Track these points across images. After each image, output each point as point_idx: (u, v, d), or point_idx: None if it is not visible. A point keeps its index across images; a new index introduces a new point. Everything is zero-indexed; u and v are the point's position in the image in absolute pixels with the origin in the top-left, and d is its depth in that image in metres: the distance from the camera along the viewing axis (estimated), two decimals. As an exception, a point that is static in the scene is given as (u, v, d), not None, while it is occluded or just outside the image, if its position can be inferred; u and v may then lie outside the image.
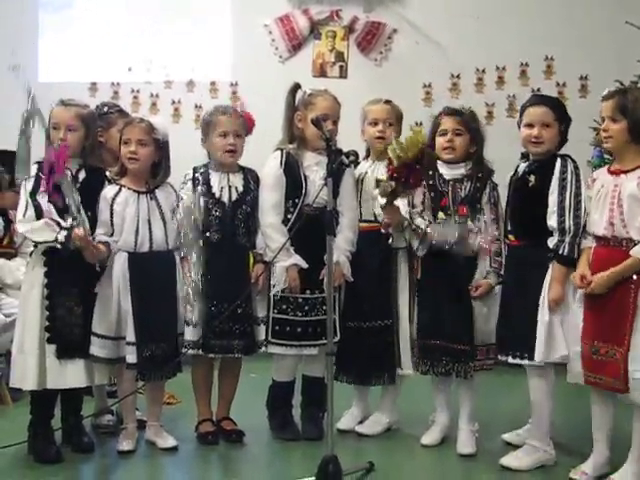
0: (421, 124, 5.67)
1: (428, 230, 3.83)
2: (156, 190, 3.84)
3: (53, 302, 3.64)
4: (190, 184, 3.94)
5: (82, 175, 3.74)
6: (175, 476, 3.74)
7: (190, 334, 3.86)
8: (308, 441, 3.96)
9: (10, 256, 4.77)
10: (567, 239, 3.51)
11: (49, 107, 3.76)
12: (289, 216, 3.94)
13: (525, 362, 3.61)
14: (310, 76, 6.49)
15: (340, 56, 6.60)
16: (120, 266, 3.72)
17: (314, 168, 3.96)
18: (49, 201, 3.58)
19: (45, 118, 3.63)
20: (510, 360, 3.69)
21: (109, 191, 3.76)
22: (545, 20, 6.41)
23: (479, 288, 3.81)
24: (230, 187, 3.95)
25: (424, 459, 3.87)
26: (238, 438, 4.00)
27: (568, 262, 3.52)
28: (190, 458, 3.83)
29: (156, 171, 3.85)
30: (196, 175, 3.96)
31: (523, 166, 3.76)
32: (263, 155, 4.06)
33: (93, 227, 3.70)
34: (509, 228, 3.78)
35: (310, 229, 3.71)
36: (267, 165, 4.02)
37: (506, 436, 4.01)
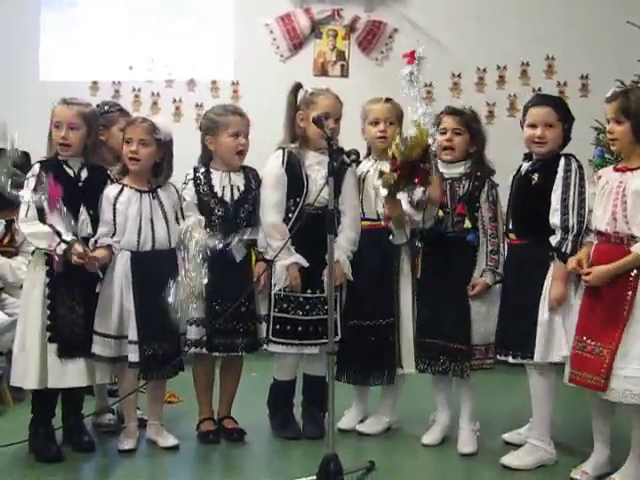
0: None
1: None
2: (158, 189, 3.83)
3: (55, 301, 3.64)
4: (191, 184, 3.94)
5: (84, 174, 3.74)
6: (176, 475, 3.74)
7: (193, 333, 3.87)
8: (309, 440, 3.96)
9: (11, 255, 4.76)
10: (570, 237, 3.51)
11: (50, 106, 3.76)
12: (290, 215, 3.95)
13: (525, 361, 3.62)
14: (311, 75, 6.50)
15: (341, 55, 6.60)
16: (122, 265, 3.72)
17: (316, 167, 3.96)
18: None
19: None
20: (510, 360, 3.69)
21: (111, 190, 3.76)
22: (546, 20, 6.43)
23: (475, 287, 3.81)
24: (232, 186, 3.95)
25: (425, 458, 3.87)
26: (239, 437, 4.00)
27: (571, 260, 3.52)
28: (191, 457, 3.84)
29: (158, 171, 3.85)
30: (197, 174, 3.96)
31: (526, 165, 3.75)
32: (264, 154, 4.06)
33: (95, 226, 3.71)
34: (510, 227, 3.78)
35: (311, 228, 3.71)
36: (269, 164, 4.02)
37: (507, 435, 4.01)
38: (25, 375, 3.66)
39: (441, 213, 3.87)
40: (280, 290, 3.92)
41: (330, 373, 3.39)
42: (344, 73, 6.61)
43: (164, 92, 6.65)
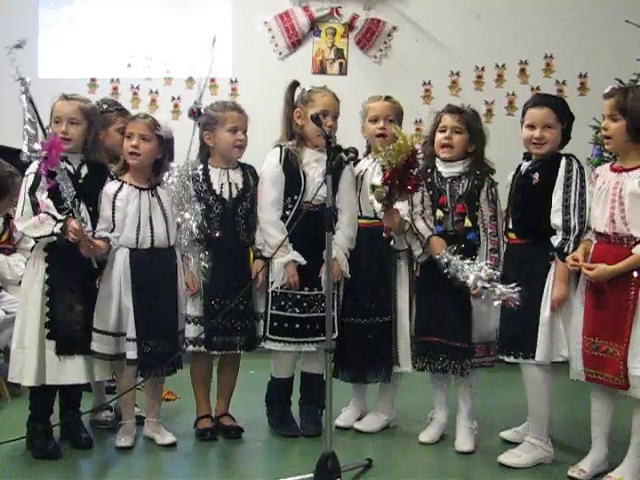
0: (420, 121, 5.76)
1: (432, 241, 3.80)
2: (158, 187, 3.83)
3: (53, 298, 3.64)
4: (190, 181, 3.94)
5: (84, 170, 3.74)
6: (173, 472, 3.73)
7: (191, 331, 3.87)
8: (307, 437, 3.96)
9: (9, 252, 4.76)
10: (572, 238, 3.50)
11: (50, 102, 3.75)
12: (287, 213, 3.95)
13: (526, 361, 3.61)
14: (310, 73, 6.51)
15: (340, 53, 6.60)
16: (121, 262, 3.72)
17: (313, 165, 3.96)
18: (49, 197, 3.58)
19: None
20: (512, 360, 3.68)
21: (111, 187, 3.76)
22: (545, 18, 6.44)
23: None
24: (230, 184, 3.95)
25: (422, 456, 3.87)
26: (237, 434, 4.00)
27: (572, 261, 3.52)
28: (189, 454, 3.83)
29: (158, 168, 3.84)
30: (196, 171, 3.95)
31: (526, 164, 3.75)
32: (262, 152, 4.06)
33: (95, 222, 3.70)
34: (510, 226, 3.77)
35: (309, 226, 3.71)
36: (266, 162, 4.02)
37: (504, 433, 4.01)
38: (23, 372, 3.65)
39: (441, 213, 3.87)
40: (277, 288, 3.92)
41: (328, 371, 3.39)
42: (343, 71, 6.60)
43: (163, 89, 6.65)
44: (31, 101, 3.60)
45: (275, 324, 3.94)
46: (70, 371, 3.66)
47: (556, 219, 3.55)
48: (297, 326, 3.93)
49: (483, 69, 6.56)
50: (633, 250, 3.28)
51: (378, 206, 3.83)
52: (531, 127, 3.67)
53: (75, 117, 3.69)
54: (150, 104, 6.60)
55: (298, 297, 3.94)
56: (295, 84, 4.07)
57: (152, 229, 3.76)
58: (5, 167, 4.52)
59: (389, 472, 3.62)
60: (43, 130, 3.62)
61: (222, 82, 6.59)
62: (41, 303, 3.64)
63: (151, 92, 6.65)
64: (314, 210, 3.81)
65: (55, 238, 3.54)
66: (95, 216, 3.71)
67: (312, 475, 3.25)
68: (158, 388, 3.96)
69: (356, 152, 3.70)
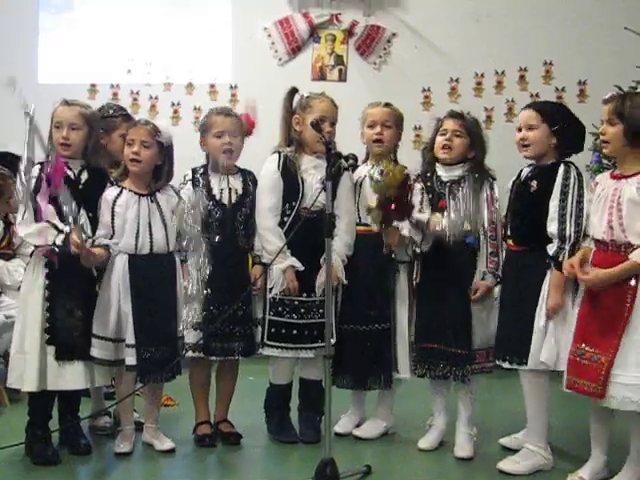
0: (420, 128, 5.77)
1: (432, 218, 3.81)
2: (157, 193, 3.82)
3: (53, 303, 3.64)
4: (190, 185, 3.95)
5: (85, 176, 3.74)
6: (172, 478, 3.73)
7: (190, 336, 3.86)
8: (305, 444, 3.96)
9: (8, 257, 4.77)
10: (567, 247, 3.50)
11: (50, 108, 3.75)
12: (285, 219, 3.94)
13: (519, 367, 3.62)
14: (309, 79, 6.50)
15: (339, 60, 6.61)
16: (120, 268, 3.72)
17: (311, 171, 3.96)
18: (50, 202, 3.58)
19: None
20: (506, 365, 3.69)
21: (110, 193, 3.76)
22: (544, 25, 6.44)
23: (477, 291, 3.81)
24: (230, 189, 3.96)
25: (421, 463, 3.86)
26: (236, 441, 4.00)
27: (567, 269, 3.52)
28: (187, 460, 3.83)
29: (158, 174, 3.84)
30: (196, 176, 3.97)
31: (526, 171, 3.76)
32: (261, 158, 4.06)
33: (94, 228, 3.71)
34: (508, 233, 3.78)
35: (307, 232, 3.71)
36: (264, 168, 4.02)
37: (503, 440, 4.00)
38: (23, 377, 3.64)
39: (441, 217, 3.87)
40: (276, 294, 3.92)
41: (326, 377, 3.38)
42: (342, 77, 6.61)
43: (162, 95, 6.65)
44: (36, 130, 3.58)
45: (273, 330, 3.94)
46: (69, 377, 3.66)
47: (552, 227, 3.55)
48: (295, 332, 3.92)
49: (483, 76, 6.57)
50: (630, 256, 3.27)
51: (376, 228, 3.86)
52: (519, 130, 3.71)
53: (76, 122, 3.70)
54: (150, 110, 6.60)
55: (296, 303, 3.94)
56: (294, 90, 4.08)
57: (151, 235, 3.76)
58: None
59: (388, 478, 3.63)
60: (47, 154, 3.61)
61: (222, 88, 6.61)
62: (41, 309, 3.63)
63: (151, 98, 6.65)
64: (312, 216, 3.81)
65: (56, 249, 3.54)
66: (95, 222, 3.71)
67: (311, 482, 3.26)
68: (157, 394, 3.96)
69: (356, 159, 3.72)
